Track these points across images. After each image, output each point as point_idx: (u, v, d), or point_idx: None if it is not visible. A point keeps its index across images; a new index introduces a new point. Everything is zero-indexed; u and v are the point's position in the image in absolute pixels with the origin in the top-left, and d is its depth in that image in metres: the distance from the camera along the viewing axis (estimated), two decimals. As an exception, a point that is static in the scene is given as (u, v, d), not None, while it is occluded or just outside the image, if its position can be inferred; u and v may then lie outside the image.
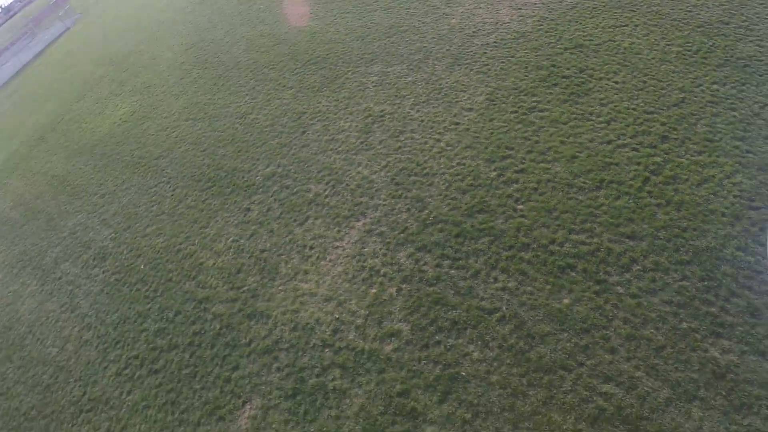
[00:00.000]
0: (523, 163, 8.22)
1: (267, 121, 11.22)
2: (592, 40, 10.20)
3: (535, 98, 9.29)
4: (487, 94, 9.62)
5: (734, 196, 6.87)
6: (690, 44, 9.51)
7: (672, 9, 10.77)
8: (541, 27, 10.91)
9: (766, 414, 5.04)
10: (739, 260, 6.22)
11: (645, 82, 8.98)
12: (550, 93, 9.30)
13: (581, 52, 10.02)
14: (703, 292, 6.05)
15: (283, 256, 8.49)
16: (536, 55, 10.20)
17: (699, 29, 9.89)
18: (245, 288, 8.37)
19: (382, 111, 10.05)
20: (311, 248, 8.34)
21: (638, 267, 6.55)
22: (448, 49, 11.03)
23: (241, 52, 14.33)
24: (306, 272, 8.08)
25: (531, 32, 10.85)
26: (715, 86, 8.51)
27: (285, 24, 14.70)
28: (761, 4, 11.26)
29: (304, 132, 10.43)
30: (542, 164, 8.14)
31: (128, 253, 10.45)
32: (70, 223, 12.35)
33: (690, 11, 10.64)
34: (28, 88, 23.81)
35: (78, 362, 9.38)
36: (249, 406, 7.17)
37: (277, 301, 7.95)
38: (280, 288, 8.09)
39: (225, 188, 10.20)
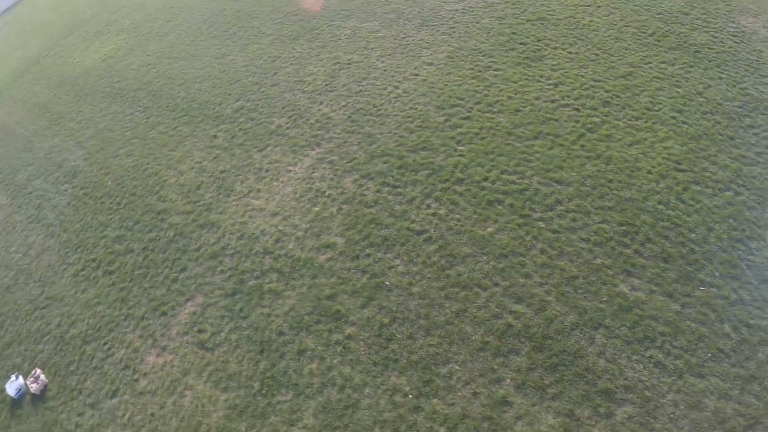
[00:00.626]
0: (469, 112, 8.89)
1: (243, 63, 11.70)
2: (554, 15, 10.89)
3: (492, 59, 9.95)
4: (449, 52, 10.25)
5: (663, 158, 7.53)
6: (646, 27, 10.25)
7: (636, -3, 11.49)
8: None
9: (668, 349, 5.57)
10: (659, 212, 6.85)
11: (597, 54, 9.70)
12: (507, 56, 9.97)
13: (542, 24, 10.70)
14: (621, 235, 6.69)
15: (240, 177, 9.04)
16: (500, 23, 10.86)
17: (658, 16, 10.63)
18: (201, 202, 8.90)
19: (350, 60, 10.62)
20: (266, 171, 8.90)
21: (562, 207, 7.20)
22: (419, 12, 11.61)
23: (227, 1, 14.70)
24: (258, 191, 8.64)
25: (499, 3, 11.49)
26: (663, 65, 9.25)
27: (274, -21, 15.14)
28: (723, 0, 12.08)
29: (275, 73, 10.95)
30: (487, 114, 8.81)
31: (98, 171, 10.85)
32: (47, 145, 12.65)
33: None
34: (15, 26, 23.63)
35: (39, 266, 9.80)
36: (191, 303, 7.72)
37: (228, 214, 8.50)
38: (233, 203, 8.64)
39: (196, 118, 10.67)
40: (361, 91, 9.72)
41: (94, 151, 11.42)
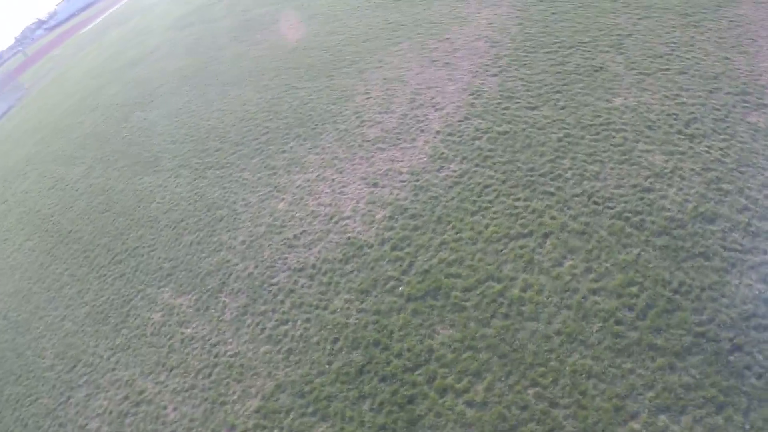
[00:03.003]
0: None
1: (24, 390, 8.63)
2: (463, 262, 6.22)
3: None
4: (264, 395, 6.11)
5: None
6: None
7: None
8: (391, 231, 7.05)
9: None
10: None
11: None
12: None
13: (437, 299, 6.07)
14: None
15: None
16: (359, 313, 6.35)
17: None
18: None
19: (141, 393, 6.97)
20: None
21: None
22: (249, 274, 7.57)
23: (76, 217, 11.82)
24: None
25: (373, 244, 7.03)
26: None
27: (127, 175, 11.91)
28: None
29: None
30: None
31: None
32: None
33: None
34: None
35: None
36: None
37: None
38: None
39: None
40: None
41: None
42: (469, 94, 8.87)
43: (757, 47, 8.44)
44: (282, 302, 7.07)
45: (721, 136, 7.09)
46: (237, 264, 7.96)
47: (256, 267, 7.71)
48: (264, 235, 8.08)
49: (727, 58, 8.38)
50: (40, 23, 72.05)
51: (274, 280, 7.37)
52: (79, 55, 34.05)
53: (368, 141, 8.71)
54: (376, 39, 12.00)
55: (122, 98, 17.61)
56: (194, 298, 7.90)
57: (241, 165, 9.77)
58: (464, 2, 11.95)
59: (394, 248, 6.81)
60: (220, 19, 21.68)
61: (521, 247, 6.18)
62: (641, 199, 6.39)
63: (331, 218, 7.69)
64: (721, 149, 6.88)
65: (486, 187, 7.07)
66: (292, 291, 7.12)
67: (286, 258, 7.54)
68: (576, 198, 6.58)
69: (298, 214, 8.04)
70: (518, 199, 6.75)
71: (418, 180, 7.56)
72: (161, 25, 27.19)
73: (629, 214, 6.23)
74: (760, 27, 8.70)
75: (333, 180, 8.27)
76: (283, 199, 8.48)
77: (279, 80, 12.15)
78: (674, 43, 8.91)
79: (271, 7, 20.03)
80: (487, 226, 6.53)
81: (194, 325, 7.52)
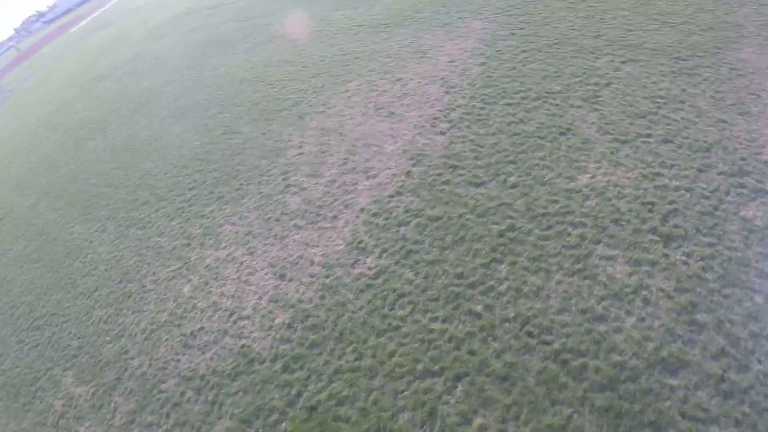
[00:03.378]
0: None
1: None
2: (356, 402, 5.18)
3: None
4: None
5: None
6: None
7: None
8: (287, 345, 6.00)
9: None
10: None
11: None
12: None
13: None
14: None
15: None
16: None
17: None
18: None
19: None
20: None
21: None
22: (143, 374, 6.70)
23: (11, 263, 11.15)
24: None
25: (265, 359, 6.01)
26: None
27: (63, 219, 11.17)
28: None
29: None
30: None
31: None
32: None
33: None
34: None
35: None
36: None
37: None
38: None
39: None
40: None
41: None
42: (409, 159, 7.58)
43: (760, 106, 6.81)
44: (167, 416, 6.18)
45: (706, 239, 5.65)
46: (134, 358, 7.09)
47: (150, 365, 6.83)
48: (164, 326, 7.16)
49: (724, 121, 6.81)
50: (40, 15, 72.11)
51: (164, 386, 6.47)
52: (63, 57, 33.57)
53: (287, 214, 7.60)
54: (326, 74, 10.75)
55: (82, 117, 16.89)
56: (92, 390, 7.11)
57: (161, 227, 8.84)
58: (429, 32, 10.52)
59: (285, 369, 5.78)
60: (192, 33, 20.58)
61: (426, 391, 5.06)
62: (589, 332, 5.10)
63: (231, 315, 6.69)
64: (702, 259, 5.45)
65: (401, 296, 5.89)
66: (177, 404, 6.21)
67: (179, 360, 6.62)
68: (506, 324, 5.34)
69: (200, 304, 7.06)
70: (436, 319, 5.58)
71: (328, 277, 6.43)
72: (138, 34, 26.35)
73: (569, 355, 4.97)
74: (765, 77, 7.03)
75: (242, 263, 7.23)
76: (189, 280, 7.51)
77: (220, 119, 11.08)
78: (662, 97, 7.36)
79: (245, 22, 18.74)
80: (391, 355, 5.41)
81: (88, 424, 6.73)
